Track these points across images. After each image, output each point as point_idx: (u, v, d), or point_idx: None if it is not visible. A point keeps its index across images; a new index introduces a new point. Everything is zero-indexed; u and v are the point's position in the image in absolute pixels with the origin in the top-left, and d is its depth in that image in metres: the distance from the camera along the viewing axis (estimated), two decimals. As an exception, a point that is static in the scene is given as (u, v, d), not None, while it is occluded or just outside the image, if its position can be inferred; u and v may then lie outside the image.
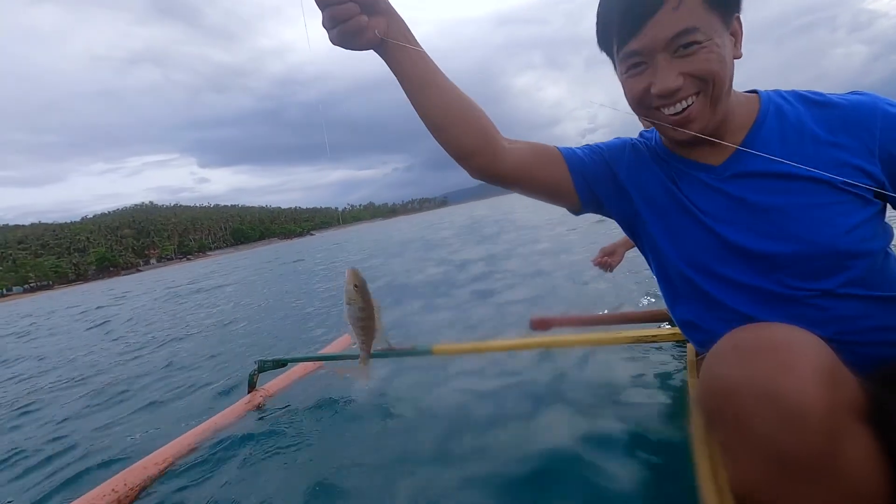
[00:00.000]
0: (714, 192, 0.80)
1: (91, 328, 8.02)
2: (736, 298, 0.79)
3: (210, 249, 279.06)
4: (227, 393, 2.63)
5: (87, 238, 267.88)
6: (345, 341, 2.88)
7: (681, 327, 0.93)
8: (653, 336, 1.66)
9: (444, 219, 32.79)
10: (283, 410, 2.13)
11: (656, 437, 1.41)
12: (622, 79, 0.80)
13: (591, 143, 0.99)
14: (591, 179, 0.92)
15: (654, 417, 1.54)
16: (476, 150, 0.84)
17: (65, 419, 2.82)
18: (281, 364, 2.28)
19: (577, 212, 0.97)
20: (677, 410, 1.53)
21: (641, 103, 0.78)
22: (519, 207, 23.25)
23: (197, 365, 3.52)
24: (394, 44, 0.78)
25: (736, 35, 0.75)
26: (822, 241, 0.72)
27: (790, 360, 0.52)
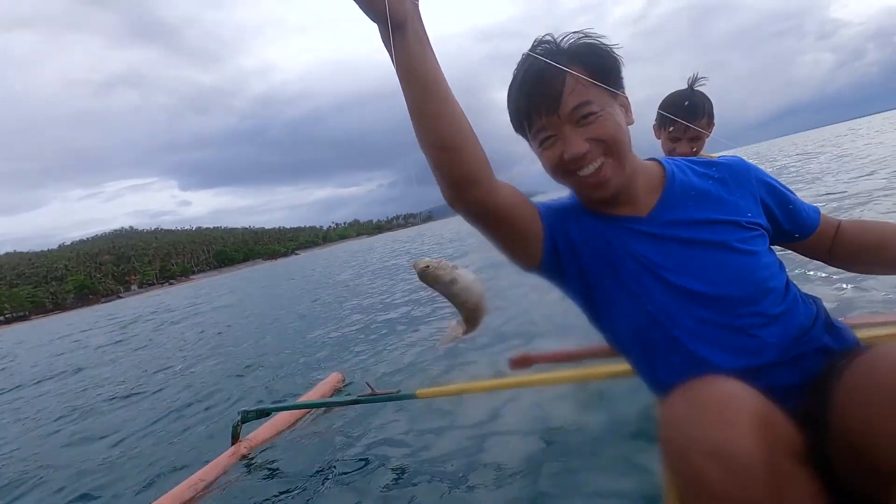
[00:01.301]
0: (650, 238, 0.87)
1: (48, 378, 7.81)
2: (690, 338, 0.83)
3: (193, 273, 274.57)
4: (210, 441, 2.59)
5: (65, 266, 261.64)
6: (331, 382, 2.87)
7: (642, 376, 0.97)
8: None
9: (423, 233, 32.80)
10: (269, 462, 2.11)
11: (635, 476, 1.44)
12: (539, 153, 0.90)
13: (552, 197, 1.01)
14: (557, 236, 0.93)
15: (637, 452, 1.57)
16: (479, 178, 0.80)
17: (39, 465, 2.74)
18: (265, 413, 2.27)
19: (531, 268, 0.95)
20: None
21: (559, 170, 0.88)
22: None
23: (176, 411, 3.45)
24: (418, 27, 0.72)
25: (625, 106, 0.89)
26: (749, 275, 0.83)
27: (731, 416, 0.57)
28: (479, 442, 1.89)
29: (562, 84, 0.81)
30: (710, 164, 0.95)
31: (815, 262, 1.06)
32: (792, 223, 0.96)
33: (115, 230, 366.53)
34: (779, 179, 0.97)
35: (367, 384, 2.03)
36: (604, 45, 0.86)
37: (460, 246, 13.50)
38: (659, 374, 0.89)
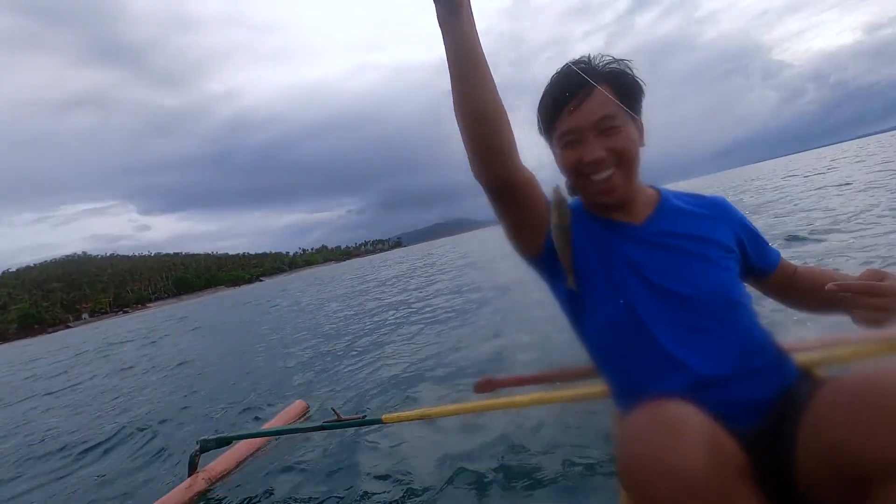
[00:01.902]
0: (640, 243, 0.95)
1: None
2: (664, 336, 0.89)
3: (150, 301, 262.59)
4: (164, 472, 2.48)
5: (9, 294, 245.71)
6: (295, 410, 2.81)
7: (611, 383, 1.01)
8: (602, 391, 1.73)
9: (387, 261, 32.65)
10: (229, 494, 2.04)
11: (596, 495, 1.49)
12: (558, 153, 0.99)
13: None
14: None
15: (597, 474, 1.62)
16: (510, 152, 0.88)
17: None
18: (225, 442, 2.20)
19: (529, 257, 1.02)
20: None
21: (574, 171, 0.96)
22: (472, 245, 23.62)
23: (125, 443, 3.29)
24: (470, 9, 0.82)
25: (640, 129, 0.98)
26: (723, 286, 0.92)
27: (681, 437, 0.62)
28: (445, 466, 1.90)
29: (592, 96, 0.91)
30: (699, 196, 1.06)
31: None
32: (760, 260, 1.05)
33: (67, 256, 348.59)
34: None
35: (333, 410, 2.01)
36: (631, 72, 0.96)
37: (427, 272, 13.53)
38: (631, 374, 0.94)
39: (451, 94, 0.86)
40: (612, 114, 0.92)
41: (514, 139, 0.89)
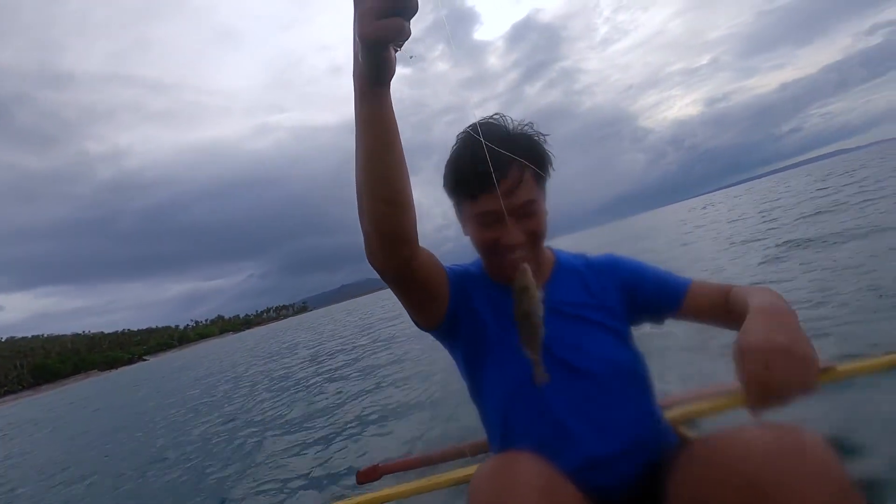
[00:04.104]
0: None
1: None
2: (560, 408, 0.89)
3: (0, 395, 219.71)
4: None
5: None
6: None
7: (499, 450, 0.98)
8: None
9: (289, 330, 30.93)
10: None
11: None
12: (472, 226, 0.97)
13: (453, 249, 1.09)
14: (460, 303, 0.98)
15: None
16: (411, 238, 0.80)
17: None
18: None
19: (429, 328, 0.99)
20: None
21: (488, 248, 0.96)
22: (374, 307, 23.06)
23: None
24: (390, 82, 0.67)
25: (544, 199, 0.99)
26: (617, 356, 0.94)
27: (523, 491, 0.67)
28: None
29: (519, 177, 0.90)
30: (589, 259, 1.09)
31: None
32: (664, 299, 1.03)
33: None
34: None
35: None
36: (544, 142, 0.96)
37: (344, 341, 12.89)
38: (524, 443, 0.91)
39: (354, 171, 0.74)
40: (534, 198, 0.92)
41: (415, 224, 0.81)
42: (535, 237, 0.94)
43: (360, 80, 0.66)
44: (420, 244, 0.85)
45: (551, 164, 0.97)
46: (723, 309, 0.96)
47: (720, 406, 1.36)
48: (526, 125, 0.96)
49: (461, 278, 1.01)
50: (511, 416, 0.95)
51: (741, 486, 0.64)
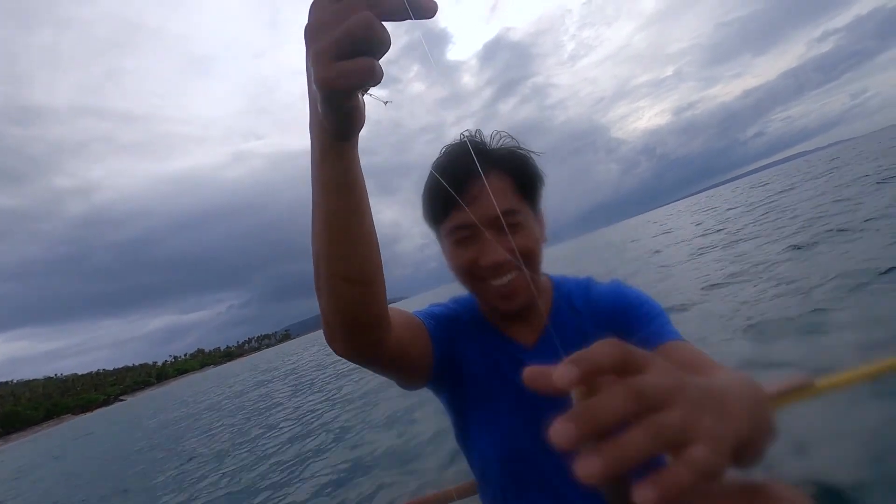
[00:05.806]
0: None
1: None
2: (560, 478, 0.80)
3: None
4: None
5: None
6: None
7: None
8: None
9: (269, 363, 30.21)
10: None
11: None
12: (450, 250, 0.84)
13: (435, 287, 0.93)
14: (445, 356, 0.87)
15: None
16: (383, 318, 0.65)
17: None
18: None
19: (414, 387, 0.88)
20: None
21: (468, 273, 0.82)
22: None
23: None
24: (356, 140, 0.53)
25: (541, 223, 0.87)
26: None
27: None
28: None
29: (495, 184, 0.80)
30: (588, 290, 0.93)
31: None
32: (638, 339, 0.88)
33: None
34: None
35: None
36: (532, 159, 0.85)
37: (326, 373, 12.59)
38: None
39: (311, 238, 0.58)
40: (516, 209, 0.81)
41: (385, 300, 0.65)
42: (524, 257, 0.79)
43: (319, 135, 0.51)
44: (390, 311, 0.69)
45: (541, 182, 0.86)
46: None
47: None
48: (506, 137, 0.87)
49: (446, 329, 0.90)
50: (506, 482, 0.86)
51: None
